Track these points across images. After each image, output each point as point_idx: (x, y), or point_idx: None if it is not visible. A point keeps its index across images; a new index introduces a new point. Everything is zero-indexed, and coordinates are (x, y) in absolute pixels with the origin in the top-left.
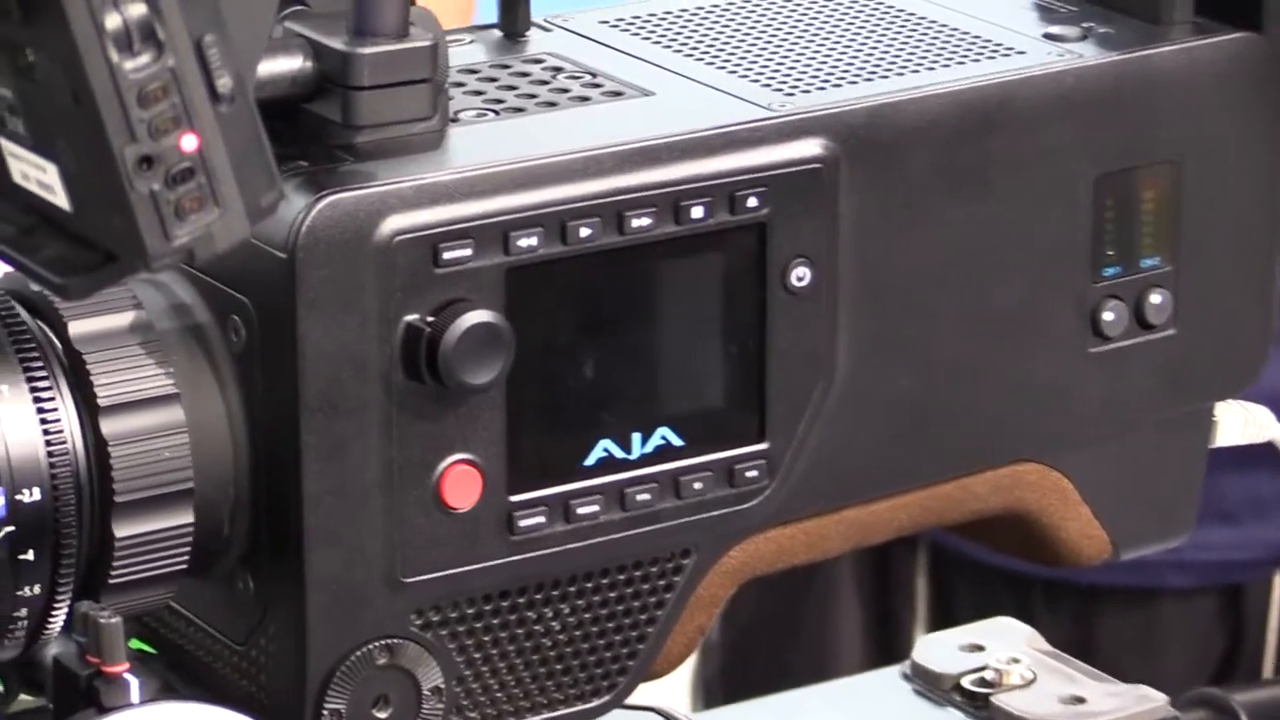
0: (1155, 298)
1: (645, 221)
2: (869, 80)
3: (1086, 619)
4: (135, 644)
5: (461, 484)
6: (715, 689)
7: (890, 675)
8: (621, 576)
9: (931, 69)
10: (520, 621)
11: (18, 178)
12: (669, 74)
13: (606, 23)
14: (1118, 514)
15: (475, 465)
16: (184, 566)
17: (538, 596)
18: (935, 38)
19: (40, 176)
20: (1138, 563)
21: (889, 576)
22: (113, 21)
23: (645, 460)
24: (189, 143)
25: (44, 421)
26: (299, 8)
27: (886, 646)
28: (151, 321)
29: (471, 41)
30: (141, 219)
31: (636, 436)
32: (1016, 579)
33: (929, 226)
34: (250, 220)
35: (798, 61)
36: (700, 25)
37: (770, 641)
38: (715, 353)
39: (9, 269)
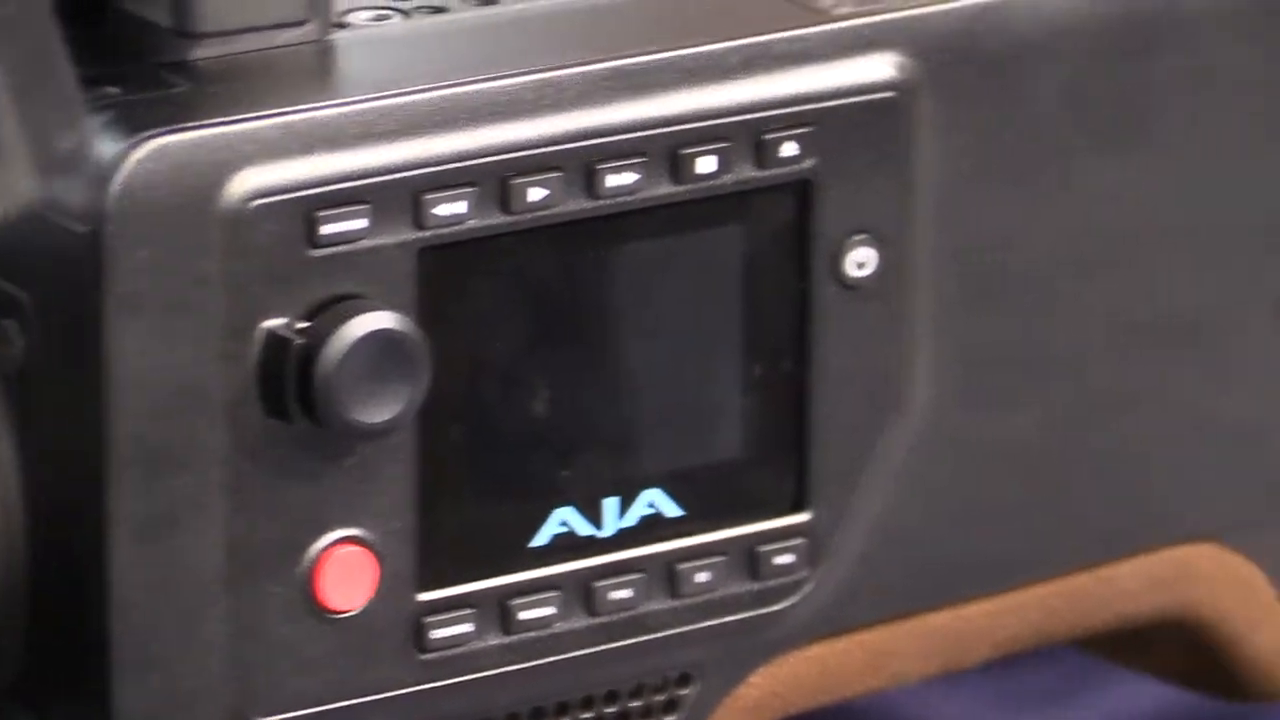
0: None
1: (628, 179)
2: None
3: None
4: None
5: (347, 574)
6: None
7: None
8: (587, 715)
9: None
10: None
11: None
12: None
13: None
14: None
15: (368, 546)
16: None
17: None
18: None
19: None
20: None
21: None
22: None
23: (625, 539)
24: None
25: None
26: None
27: None
28: None
29: None
30: None
31: (611, 504)
32: None
33: (1058, 188)
34: (36, 176)
35: None
36: None
37: None
38: (732, 377)
39: None
